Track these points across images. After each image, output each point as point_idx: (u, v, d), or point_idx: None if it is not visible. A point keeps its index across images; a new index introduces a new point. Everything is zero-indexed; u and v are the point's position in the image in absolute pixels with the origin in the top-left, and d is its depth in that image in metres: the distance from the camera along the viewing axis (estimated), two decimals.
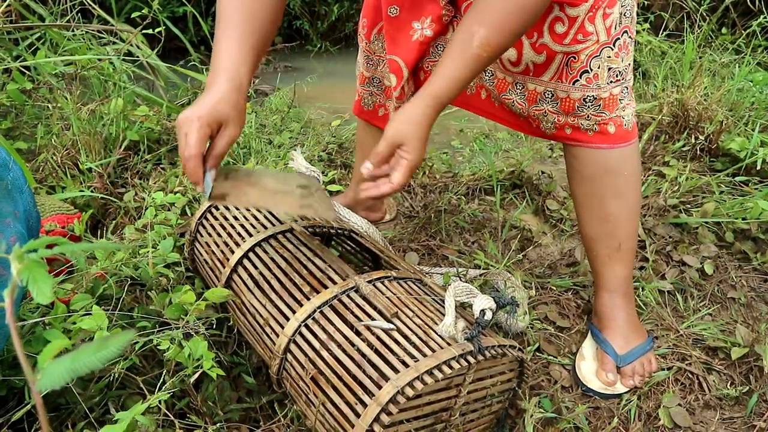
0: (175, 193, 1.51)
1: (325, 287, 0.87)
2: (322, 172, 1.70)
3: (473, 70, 0.84)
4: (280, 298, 0.89)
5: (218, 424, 0.89)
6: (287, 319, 0.85)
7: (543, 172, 1.77)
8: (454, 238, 1.47)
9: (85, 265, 1.01)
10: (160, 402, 0.81)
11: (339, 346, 0.79)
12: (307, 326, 0.83)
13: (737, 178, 1.66)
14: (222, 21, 0.86)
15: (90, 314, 0.86)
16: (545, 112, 1.02)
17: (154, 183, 1.58)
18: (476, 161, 1.93)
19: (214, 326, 0.99)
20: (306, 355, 0.82)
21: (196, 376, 0.88)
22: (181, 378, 0.88)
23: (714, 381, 1.08)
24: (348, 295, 0.85)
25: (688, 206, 1.57)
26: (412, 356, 0.74)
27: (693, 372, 1.10)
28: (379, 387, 0.72)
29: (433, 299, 0.89)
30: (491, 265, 1.34)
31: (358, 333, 0.80)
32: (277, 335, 0.85)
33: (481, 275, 1.28)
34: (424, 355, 0.74)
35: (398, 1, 1.07)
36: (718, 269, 1.36)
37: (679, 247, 1.42)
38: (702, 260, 1.37)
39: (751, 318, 1.24)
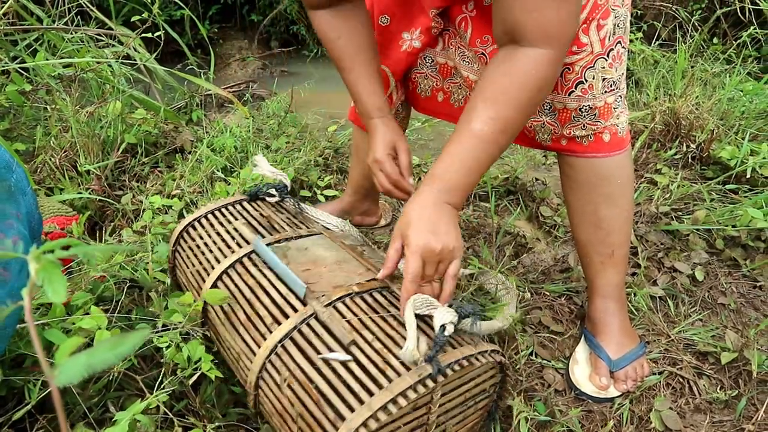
0: (173, 196, 1.52)
1: (287, 316, 0.84)
2: (318, 177, 1.72)
3: (477, 146, 0.81)
4: (247, 331, 0.87)
5: (216, 423, 0.90)
6: (254, 354, 0.84)
7: (537, 179, 1.80)
8: None
9: (95, 265, 1.02)
10: (158, 401, 0.82)
11: (300, 383, 0.77)
12: (271, 362, 0.82)
13: (727, 186, 1.69)
14: (345, 64, 1.02)
15: (88, 315, 0.87)
16: (543, 123, 1.02)
17: (152, 186, 1.59)
18: None
19: (210, 335, 0.99)
20: (272, 391, 0.81)
21: (195, 377, 0.89)
22: (179, 379, 0.89)
23: (704, 385, 1.10)
24: (308, 324, 0.82)
25: (680, 213, 1.60)
26: (369, 390, 0.71)
27: (684, 376, 1.11)
28: (336, 428, 0.70)
29: (398, 310, 0.85)
30: (484, 270, 1.35)
31: (317, 367, 0.78)
32: (249, 370, 0.85)
33: (471, 275, 1.29)
34: (381, 387, 0.71)
35: (389, 11, 1.08)
36: (709, 276, 1.39)
37: (671, 253, 1.44)
38: (693, 267, 1.40)
39: (740, 323, 1.26)
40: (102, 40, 2.05)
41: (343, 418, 0.70)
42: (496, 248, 1.46)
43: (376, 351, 0.76)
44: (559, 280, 1.36)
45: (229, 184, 1.53)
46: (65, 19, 2.05)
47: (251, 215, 1.07)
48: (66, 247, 0.36)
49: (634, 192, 1.16)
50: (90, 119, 1.64)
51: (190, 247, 1.04)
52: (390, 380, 0.72)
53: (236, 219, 1.06)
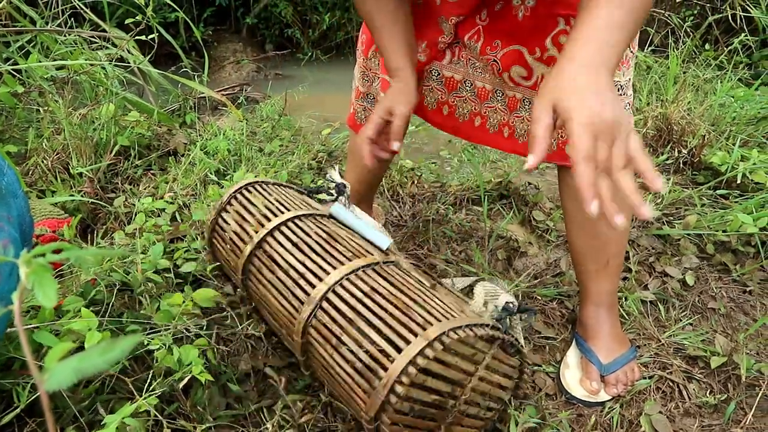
0: (165, 199, 1.51)
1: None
2: (312, 181, 1.72)
3: (611, 26, 0.67)
4: (321, 258, 0.91)
5: (206, 424, 0.90)
6: (327, 273, 0.87)
7: (530, 183, 1.80)
8: (441, 247, 1.49)
9: (87, 269, 1.02)
10: (148, 404, 0.82)
11: (383, 296, 0.82)
12: (349, 280, 0.86)
13: (718, 192, 1.70)
14: (378, 31, 1.01)
15: (81, 318, 0.87)
16: None
17: (144, 189, 1.58)
18: (464, 171, 1.96)
19: (204, 328, 0.99)
20: (346, 302, 0.84)
21: (185, 381, 0.89)
22: (170, 383, 0.88)
23: (694, 389, 1.11)
24: (389, 266, 0.89)
25: (671, 218, 1.61)
26: (453, 316, 0.79)
27: (674, 380, 1.12)
28: (424, 329, 0.75)
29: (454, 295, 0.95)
30: (480, 275, 1.36)
31: (402, 290, 0.84)
32: (313, 286, 0.87)
33: (476, 281, 1.29)
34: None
35: None
36: (699, 280, 1.40)
37: (662, 258, 1.45)
38: (684, 271, 1.41)
39: (730, 328, 1.27)
40: (95, 42, 2.05)
41: (431, 324, 0.76)
42: (488, 252, 1.47)
43: (452, 302, 0.84)
44: (551, 285, 1.37)
45: (222, 187, 1.53)
46: (59, 21, 2.04)
47: (312, 201, 1.14)
48: (57, 251, 0.36)
49: None
50: (83, 121, 1.64)
51: (257, 198, 1.07)
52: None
53: (302, 194, 1.13)
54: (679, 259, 1.45)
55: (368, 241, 0.98)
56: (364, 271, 0.87)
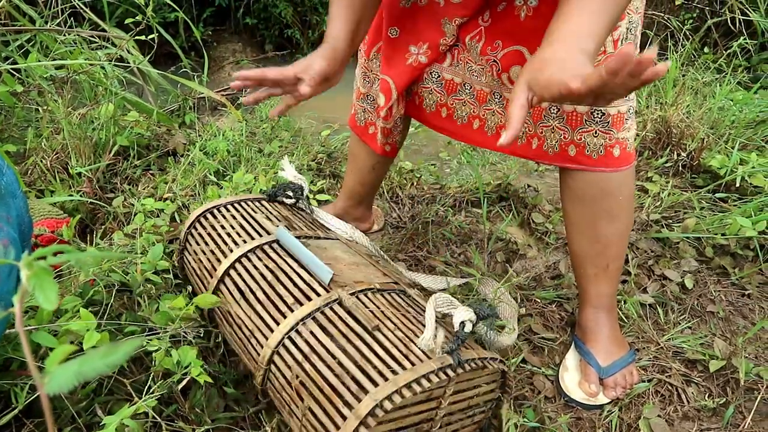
0: (165, 199, 1.51)
1: (309, 299, 0.87)
2: (311, 182, 1.72)
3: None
4: (265, 309, 0.89)
5: (205, 426, 0.89)
6: (271, 330, 0.85)
7: (529, 186, 1.80)
8: (440, 249, 1.48)
9: (87, 270, 1.02)
10: (147, 406, 0.82)
11: (320, 358, 0.79)
12: (290, 338, 0.83)
13: (717, 195, 1.70)
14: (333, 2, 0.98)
15: (79, 318, 0.87)
16: (553, 128, 1.00)
17: (144, 189, 1.58)
18: (463, 173, 1.96)
19: (202, 335, 0.99)
20: (288, 366, 0.82)
21: (184, 382, 0.89)
22: (168, 384, 0.88)
23: (692, 393, 1.11)
24: (331, 308, 0.85)
25: (670, 221, 1.61)
26: (392, 369, 0.74)
27: (672, 384, 1.12)
28: (359, 400, 0.72)
29: (416, 311, 0.89)
30: (484, 279, 1.35)
31: (340, 345, 0.80)
32: (262, 346, 0.85)
33: (466, 283, 1.30)
34: (404, 369, 0.74)
35: (399, 24, 1.08)
36: (698, 283, 1.40)
37: (661, 261, 1.45)
38: (683, 274, 1.41)
39: (728, 331, 1.27)
40: (95, 42, 2.05)
41: (366, 392, 0.72)
42: (487, 254, 1.47)
43: (399, 339, 0.80)
44: (550, 287, 1.37)
45: (222, 188, 1.53)
46: (58, 21, 2.04)
47: (270, 212, 1.10)
48: (57, 254, 0.36)
49: (634, 208, 1.15)
50: (82, 121, 1.64)
51: (208, 233, 1.05)
52: (413, 364, 0.75)
53: (256, 213, 1.09)
54: (678, 263, 1.45)
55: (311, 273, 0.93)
56: (304, 323, 0.83)
